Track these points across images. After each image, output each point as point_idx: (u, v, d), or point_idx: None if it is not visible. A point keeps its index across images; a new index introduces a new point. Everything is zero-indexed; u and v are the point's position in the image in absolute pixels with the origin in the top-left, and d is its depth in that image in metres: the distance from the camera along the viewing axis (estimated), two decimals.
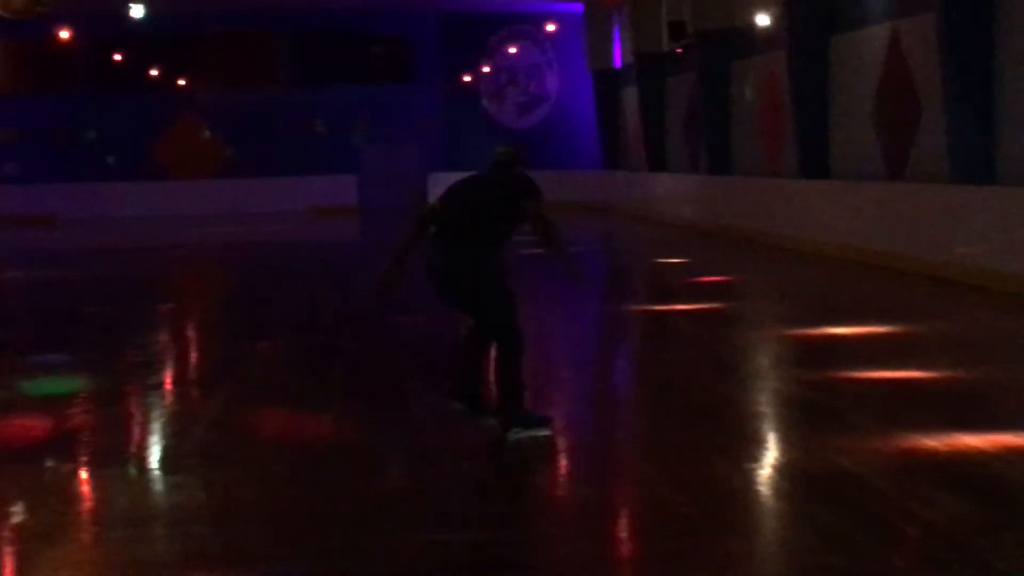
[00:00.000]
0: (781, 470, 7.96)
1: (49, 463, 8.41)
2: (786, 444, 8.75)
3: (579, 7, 41.72)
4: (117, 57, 42.30)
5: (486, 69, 44.32)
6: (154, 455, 8.87)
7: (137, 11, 33.12)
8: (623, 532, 6.99)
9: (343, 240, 33.00)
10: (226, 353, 13.48)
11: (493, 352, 8.81)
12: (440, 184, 43.34)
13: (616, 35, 39.81)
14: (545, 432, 8.60)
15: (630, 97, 38.13)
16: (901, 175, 20.86)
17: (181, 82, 43.29)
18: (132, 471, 8.30)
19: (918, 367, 11.09)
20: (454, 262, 8.43)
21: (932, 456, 7.91)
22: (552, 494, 7.69)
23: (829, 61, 23.74)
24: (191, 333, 15.75)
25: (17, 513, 7.28)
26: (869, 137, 22.11)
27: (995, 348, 12.33)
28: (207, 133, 43.20)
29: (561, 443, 8.93)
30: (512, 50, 44.37)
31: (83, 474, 8.26)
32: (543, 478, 8.00)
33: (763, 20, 26.09)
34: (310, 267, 24.52)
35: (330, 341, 14.17)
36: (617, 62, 39.97)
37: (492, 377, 8.87)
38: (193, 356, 14.00)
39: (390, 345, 13.79)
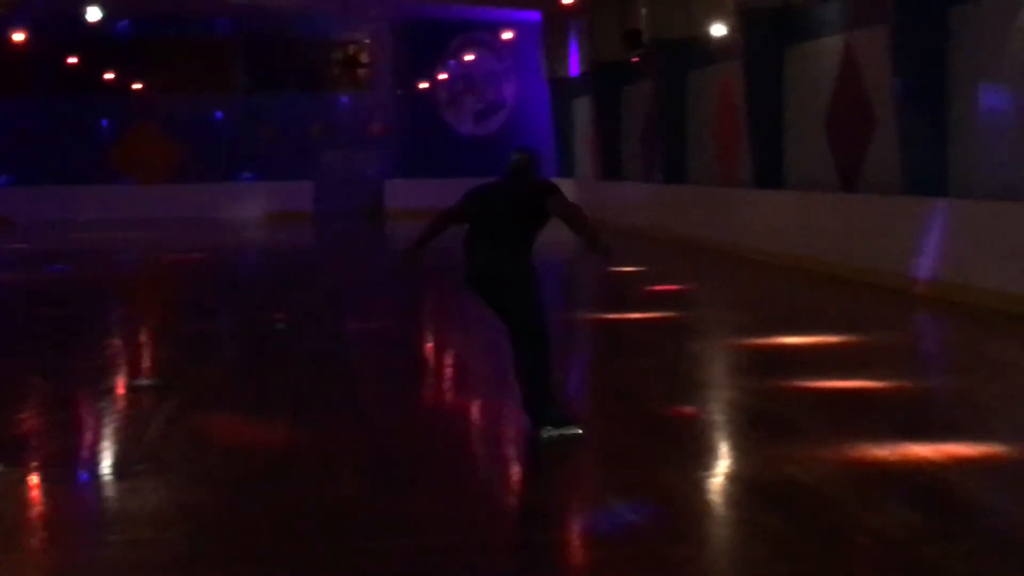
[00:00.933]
0: (732, 478, 8.00)
1: None
2: (737, 452, 8.80)
3: (536, 16, 41.81)
4: (73, 60, 42.06)
5: (443, 76, 44.33)
6: (105, 460, 8.82)
7: (93, 14, 32.96)
8: (574, 539, 7.01)
9: (298, 245, 32.90)
10: (179, 357, 13.41)
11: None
12: (397, 190, 43.57)
13: (573, 44, 39.91)
14: (576, 431, 8.79)
15: (586, 105, 38.22)
16: (854, 186, 21.00)
17: (137, 86, 43.08)
18: (82, 476, 8.26)
19: (869, 377, 11.16)
20: (499, 266, 8.80)
21: (882, 465, 7.96)
22: (504, 501, 7.70)
23: (784, 72, 23.89)
24: (144, 338, 15.67)
25: None
26: (823, 148, 22.26)
27: (947, 358, 12.44)
28: (163, 137, 43.01)
29: (513, 451, 8.96)
30: (469, 57, 44.40)
31: (32, 480, 8.20)
32: (495, 485, 8.01)
33: (719, 31, 26.23)
34: (265, 272, 24.45)
35: (285, 346, 14.13)
36: (574, 71, 40.07)
37: (519, 377, 8.95)
38: (146, 360, 13.93)
39: (346, 351, 13.76)
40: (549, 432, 8.73)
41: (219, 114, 43.33)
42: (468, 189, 9.15)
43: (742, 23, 24.46)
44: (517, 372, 8.95)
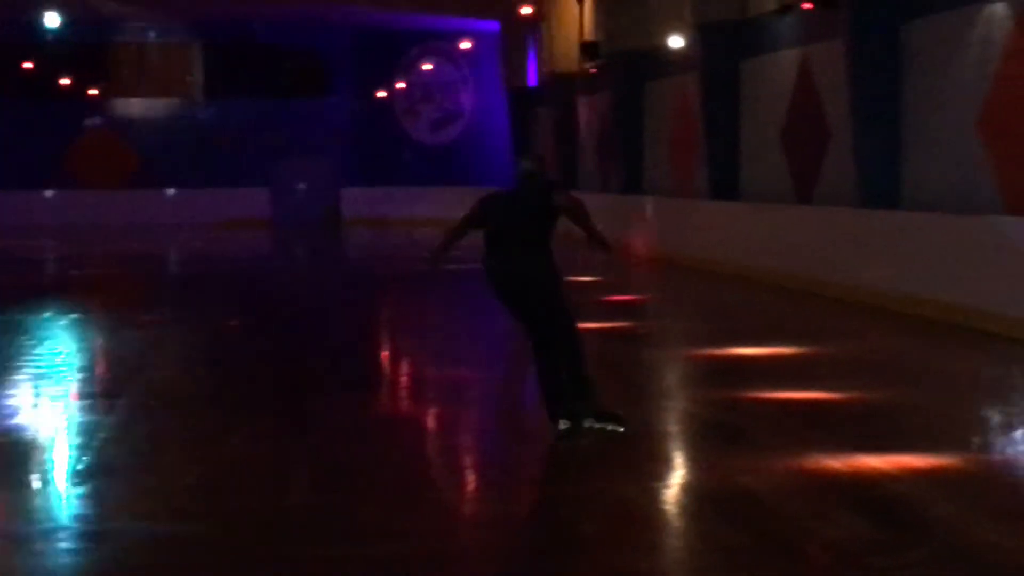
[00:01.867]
0: (686, 489, 8.03)
1: None
2: (691, 463, 8.83)
3: (495, 25, 41.85)
4: (28, 65, 41.79)
5: (401, 85, 44.30)
6: (54, 467, 8.76)
7: (51, 19, 32.78)
8: (527, 548, 7.02)
9: (254, 252, 32.79)
10: (133, 364, 13.35)
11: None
12: (354, 198, 43.45)
13: (531, 54, 39.97)
14: (619, 428, 9.08)
15: (544, 115, 38.28)
16: (809, 198, 21.13)
17: (93, 91, 42.85)
18: (30, 483, 8.21)
19: (823, 388, 11.23)
20: (525, 269, 9.08)
21: (835, 476, 8.01)
22: (458, 510, 7.70)
23: (740, 84, 24.02)
24: (98, 343, 15.58)
25: None
26: (778, 160, 22.39)
27: (899, 370, 12.52)
28: (119, 143, 42.79)
29: (468, 459, 8.97)
30: (427, 66, 44.40)
31: None
32: (450, 494, 8.01)
33: (676, 43, 26.33)
34: (219, 279, 24.36)
35: (239, 354, 14.09)
36: (532, 80, 40.13)
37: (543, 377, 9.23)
38: (100, 366, 13.86)
39: (300, 358, 13.73)
40: (591, 423, 9.00)
41: (176, 120, 43.14)
42: (480, 197, 9.43)
43: (699, 35, 24.58)
44: (540, 373, 9.21)
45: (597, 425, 9.04)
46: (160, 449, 9.18)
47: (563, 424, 9.06)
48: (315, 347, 14.66)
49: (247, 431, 9.71)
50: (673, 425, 10.10)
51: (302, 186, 43.39)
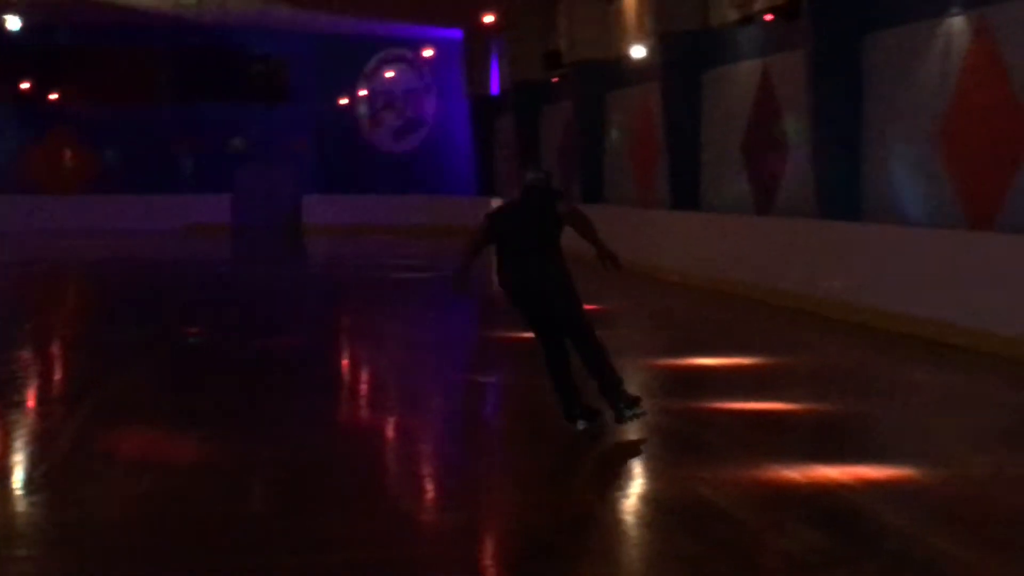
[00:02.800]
0: (644, 498, 8.05)
1: None
2: (650, 473, 8.85)
3: (458, 33, 41.87)
4: None
5: (363, 92, 44.24)
6: (12, 474, 8.70)
7: (13, 23, 32.58)
8: (488, 557, 7.02)
9: (215, 259, 32.68)
10: (90, 371, 13.28)
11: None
12: (315, 205, 43.34)
13: (494, 62, 40.01)
14: (643, 412, 9.61)
15: (506, 124, 38.32)
16: (769, 209, 21.22)
17: (54, 95, 42.61)
18: None
19: (781, 399, 11.27)
20: (543, 275, 9.48)
21: (792, 487, 8.05)
22: (419, 518, 7.69)
23: (701, 95, 24.09)
24: (55, 350, 15.50)
25: None
26: (739, 171, 22.47)
27: (856, 381, 12.57)
28: (81, 147, 42.55)
29: (428, 467, 8.96)
30: (389, 74, 44.36)
31: None
32: (410, 501, 7.99)
33: (638, 53, 26.40)
34: (180, 285, 24.25)
35: (199, 361, 14.03)
36: (494, 89, 40.17)
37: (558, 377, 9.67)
38: (57, 373, 13.78)
39: (260, 365, 13.69)
40: (630, 413, 9.51)
41: (138, 125, 42.93)
42: (488, 212, 9.83)
43: (661, 46, 24.65)
44: (554, 378, 9.66)
45: (632, 413, 9.51)
46: (116, 457, 9.13)
47: (581, 424, 9.56)
48: (273, 354, 14.61)
49: (204, 438, 9.67)
50: (632, 435, 10.10)
51: (263, 193, 43.28)
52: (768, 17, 20.61)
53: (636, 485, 8.49)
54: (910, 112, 17.11)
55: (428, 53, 42.49)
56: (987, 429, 10.31)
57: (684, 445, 9.58)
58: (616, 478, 8.59)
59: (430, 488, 8.51)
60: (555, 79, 32.87)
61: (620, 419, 9.56)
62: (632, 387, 11.89)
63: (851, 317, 16.30)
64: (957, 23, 16.09)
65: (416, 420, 10.78)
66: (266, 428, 10.18)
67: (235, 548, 6.84)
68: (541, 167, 10.19)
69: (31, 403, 11.48)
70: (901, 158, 17.31)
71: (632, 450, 9.56)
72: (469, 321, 19.42)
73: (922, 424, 10.42)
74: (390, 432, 10.42)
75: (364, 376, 13.86)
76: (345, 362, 14.93)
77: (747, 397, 11.37)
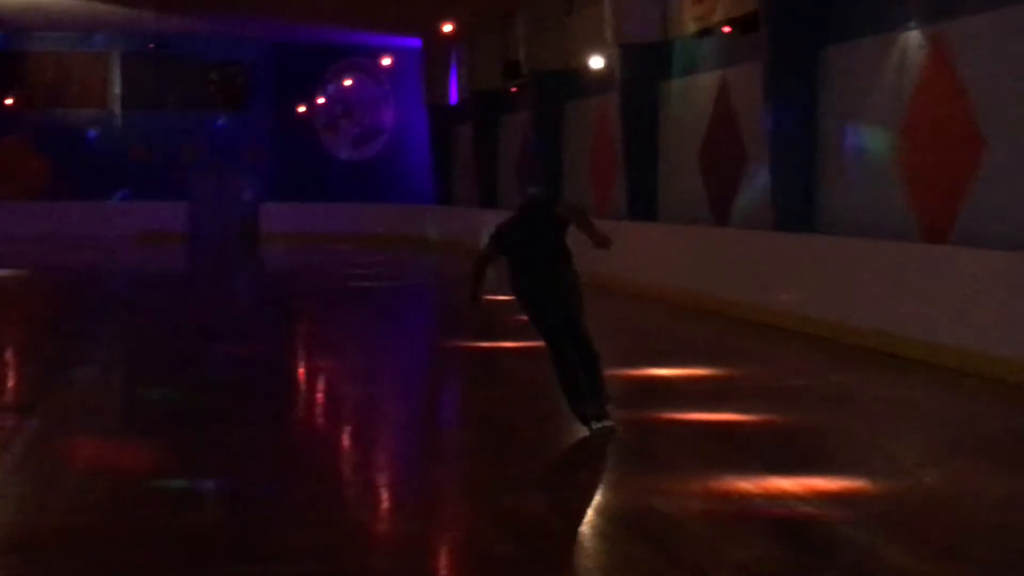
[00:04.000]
0: (597, 509, 8.03)
1: None
2: (605, 483, 8.84)
3: (417, 42, 41.84)
4: None
5: (321, 100, 44.14)
6: None
7: None
8: (441, 567, 6.99)
9: (170, 267, 32.51)
10: (40, 380, 13.18)
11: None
12: (272, 214, 43.17)
13: (453, 72, 40.01)
14: (611, 428, 9.96)
15: (465, 133, 38.32)
16: (726, 220, 21.28)
17: (7, 101, 42.28)
18: None
19: (736, 410, 11.29)
20: (561, 279, 10.01)
21: (745, 498, 8.05)
22: (372, 528, 7.65)
23: (659, 106, 24.16)
24: (5, 358, 15.37)
25: None
26: (696, 182, 22.53)
27: (810, 393, 12.61)
28: (33, 153, 42.23)
29: (382, 477, 8.92)
30: (348, 82, 44.28)
31: None
32: (363, 511, 7.96)
33: (596, 63, 26.44)
34: (134, 293, 24.11)
35: (152, 368, 13.95)
36: (453, 98, 40.17)
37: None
38: (7, 382, 13.65)
39: (213, 373, 13.61)
40: (611, 414, 9.93)
41: (92, 131, 42.70)
42: (493, 231, 10.23)
43: (619, 56, 24.70)
44: (563, 382, 10.13)
45: (598, 425, 9.85)
46: (68, 466, 9.04)
47: (596, 424, 9.83)
48: (229, 362, 14.53)
49: (158, 447, 9.60)
50: (587, 445, 10.10)
51: (218, 200, 43.09)
52: (726, 29, 20.69)
53: (589, 495, 8.47)
54: (866, 125, 17.21)
55: (387, 62, 42.44)
56: (940, 441, 10.36)
57: (637, 456, 9.58)
58: (569, 488, 8.57)
59: (385, 498, 8.47)
60: (514, 89, 32.90)
61: (588, 425, 9.84)
62: None
63: (806, 328, 16.36)
64: (913, 37, 16.19)
65: (372, 430, 10.74)
66: (218, 437, 10.11)
67: (185, 558, 6.79)
68: (539, 181, 10.79)
69: None
70: (857, 171, 17.40)
71: (585, 460, 9.55)
72: (426, 331, 19.39)
73: (876, 436, 10.45)
74: (344, 441, 10.37)
75: (321, 384, 13.79)
76: (302, 370, 14.86)
77: (701, 408, 11.38)
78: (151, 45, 40.81)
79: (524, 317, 10.34)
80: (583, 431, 10.01)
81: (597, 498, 8.40)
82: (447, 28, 34.14)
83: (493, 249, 10.12)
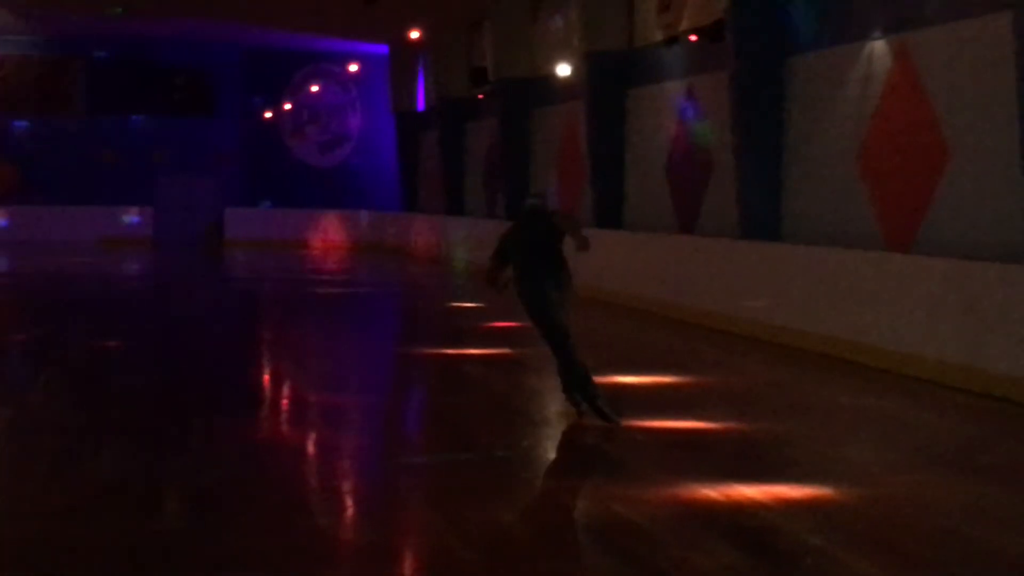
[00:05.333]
0: (563, 516, 8.02)
1: None
2: (566, 490, 8.82)
3: (384, 49, 41.82)
4: None
5: (288, 106, 44.07)
6: None
7: None
8: (403, 574, 6.98)
9: (135, 272, 32.37)
10: (1, 384, 13.08)
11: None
12: (238, 219, 43.07)
13: (420, 78, 39.99)
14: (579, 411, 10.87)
15: (432, 140, 38.30)
16: (692, 228, 21.32)
17: None
18: None
19: (700, 418, 11.30)
20: (562, 287, 10.89)
21: (709, 505, 8.05)
22: (336, 537, 7.61)
23: (626, 114, 24.19)
24: None
25: None
26: (662, 190, 22.57)
27: (774, 400, 12.64)
28: None
29: (345, 484, 8.89)
30: (315, 88, 44.22)
31: None
32: (327, 519, 7.92)
33: (563, 71, 26.48)
34: (98, 298, 23.99)
35: (116, 374, 13.86)
36: (420, 105, 40.15)
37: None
38: None
39: (176, 380, 13.54)
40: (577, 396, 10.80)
41: (58, 136, 42.47)
42: (501, 233, 11.16)
43: (586, 64, 24.73)
44: (563, 373, 10.89)
45: (577, 397, 10.79)
46: (27, 472, 8.98)
47: (602, 403, 10.60)
48: (191, 369, 14.47)
49: (118, 454, 9.53)
50: (552, 452, 10.10)
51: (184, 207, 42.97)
52: (693, 38, 20.73)
53: (553, 503, 8.45)
54: (831, 134, 17.27)
55: (354, 68, 42.42)
56: (904, 449, 10.39)
57: (601, 463, 9.57)
58: (532, 495, 8.56)
59: (347, 505, 8.44)
60: (481, 96, 32.91)
61: (567, 395, 10.91)
62: (554, 405, 11.92)
63: (771, 337, 16.40)
64: (878, 47, 16.27)
65: (335, 436, 10.70)
66: (179, 443, 10.05)
67: (147, 566, 6.74)
68: (537, 193, 11.59)
69: None
70: (822, 179, 17.46)
71: (551, 468, 9.54)
72: (389, 337, 19.36)
73: (840, 444, 10.48)
74: (308, 448, 10.33)
75: (284, 391, 13.74)
76: (265, 377, 14.80)
77: (666, 415, 11.38)
78: (102, 54, 40.70)
79: (516, 321, 10.83)
80: (549, 437, 10.01)
81: (559, 504, 8.38)
82: (414, 35, 34.16)
83: (498, 261, 11.01)
